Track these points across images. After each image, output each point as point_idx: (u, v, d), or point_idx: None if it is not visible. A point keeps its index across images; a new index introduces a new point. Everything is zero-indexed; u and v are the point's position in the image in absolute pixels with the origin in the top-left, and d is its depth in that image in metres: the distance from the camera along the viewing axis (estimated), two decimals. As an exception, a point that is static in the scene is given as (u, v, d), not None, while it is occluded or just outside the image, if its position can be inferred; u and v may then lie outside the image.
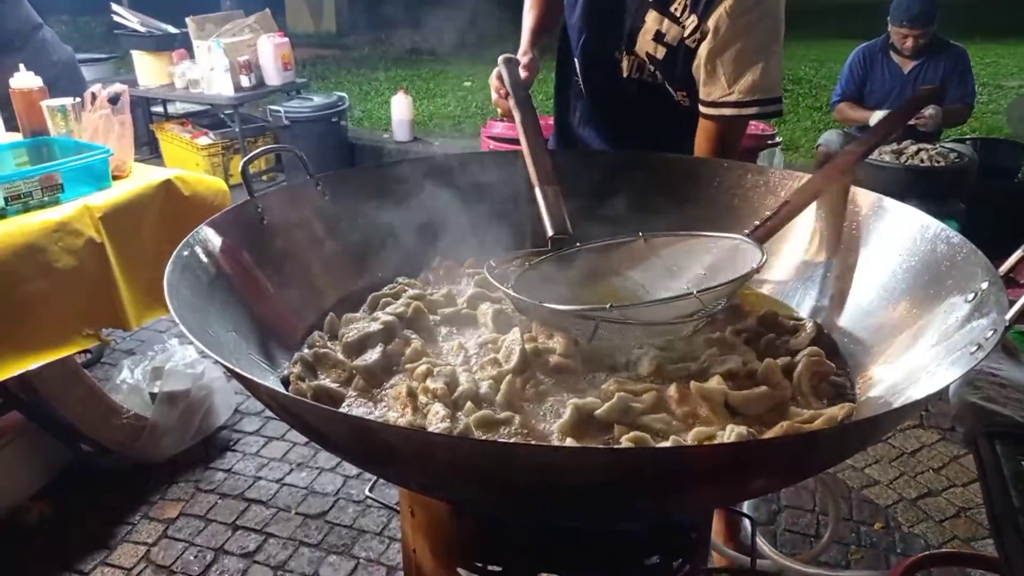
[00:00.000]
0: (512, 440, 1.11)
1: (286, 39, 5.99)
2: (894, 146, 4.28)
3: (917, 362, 1.18)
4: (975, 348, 1.03)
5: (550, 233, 1.49)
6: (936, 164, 4.15)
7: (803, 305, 1.53)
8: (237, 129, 5.97)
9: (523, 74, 1.86)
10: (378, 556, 2.53)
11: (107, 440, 2.81)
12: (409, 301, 1.46)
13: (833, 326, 1.43)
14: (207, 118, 6.45)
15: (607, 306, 1.20)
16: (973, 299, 1.16)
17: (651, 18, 1.79)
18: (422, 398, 1.19)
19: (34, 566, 2.51)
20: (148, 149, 6.37)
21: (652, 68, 1.87)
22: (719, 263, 1.40)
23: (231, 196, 2.76)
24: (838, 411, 1.15)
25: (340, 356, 1.34)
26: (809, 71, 9.14)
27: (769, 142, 4.87)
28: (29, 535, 2.61)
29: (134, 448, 2.85)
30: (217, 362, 1.03)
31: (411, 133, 6.63)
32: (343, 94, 6.40)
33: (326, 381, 1.29)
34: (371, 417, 1.20)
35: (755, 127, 4.52)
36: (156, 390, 2.97)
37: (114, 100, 2.63)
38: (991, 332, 1.04)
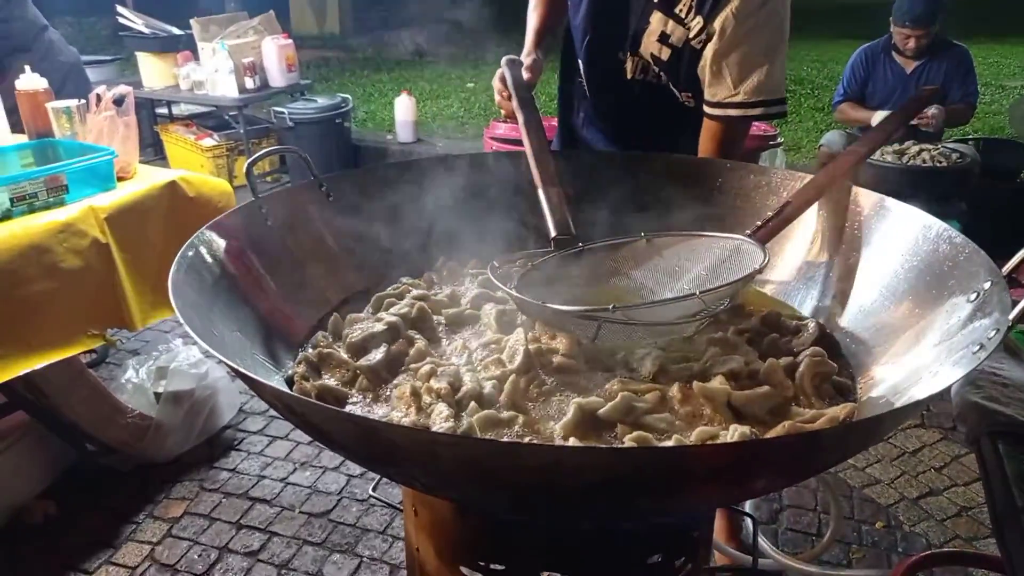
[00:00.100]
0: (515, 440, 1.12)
1: (290, 41, 6.01)
2: (896, 146, 4.27)
3: (919, 362, 1.18)
4: (977, 348, 1.04)
5: (553, 234, 1.49)
6: (938, 164, 4.14)
7: (805, 305, 1.53)
8: (241, 130, 5.98)
9: (526, 75, 1.86)
10: (381, 555, 2.54)
11: (112, 440, 2.82)
12: (413, 301, 1.47)
13: (835, 326, 1.44)
14: (211, 119, 6.46)
15: (610, 307, 1.20)
16: (975, 299, 1.16)
17: (656, 19, 1.79)
18: (426, 398, 1.20)
19: (39, 565, 2.52)
20: (153, 151, 6.38)
21: (656, 69, 1.87)
22: (721, 263, 1.41)
23: (235, 197, 2.77)
24: (840, 411, 1.16)
25: (344, 356, 1.34)
26: (811, 71, 9.13)
27: (771, 143, 4.87)
28: (34, 534, 2.62)
29: (139, 448, 2.86)
30: (221, 362, 1.04)
31: (414, 134, 6.64)
32: (347, 95, 6.41)
33: (330, 381, 1.30)
34: (375, 417, 1.21)
35: (757, 127, 4.52)
36: (161, 390, 2.98)
37: (119, 102, 2.63)
38: (993, 332, 1.05)
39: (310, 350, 1.37)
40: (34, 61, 2.88)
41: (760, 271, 1.31)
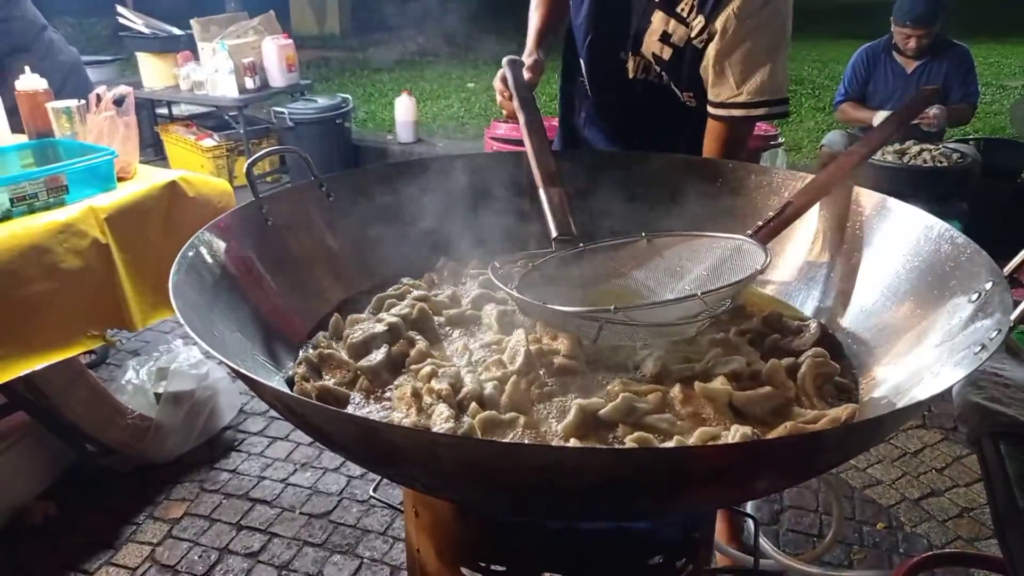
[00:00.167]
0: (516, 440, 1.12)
1: (290, 41, 6.01)
2: (897, 146, 4.27)
3: (921, 362, 1.18)
4: (979, 348, 1.03)
5: (554, 234, 1.49)
6: (939, 164, 4.14)
7: (806, 306, 1.53)
8: (241, 131, 5.98)
9: (527, 75, 1.85)
10: (382, 556, 2.53)
11: (112, 440, 2.82)
12: (414, 302, 1.46)
13: (836, 327, 1.44)
14: (212, 120, 6.46)
15: (611, 308, 1.20)
16: (977, 299, 1.16)
17: (657, 19, 1.79)
18: (427, 399, 1.20)
19: (39, 566, 2.52)
20: (153, 151, 6.38)
21: (658, 69, 1.87)
22: (722, 264, 1.41)
23: (235, 197, 2.77)
24: (842, 412, 1.15)
25: (345, 357, 1.34)
26: (812, 72, 9.13)
27: (772, 143, 4.86)
28: (34, 535, 2.62)
29: (139, 448, 2.86)
30: (222, 363, 1.04)
31: (415, 134, 6.64)
32: (347, 96, 6.41)
33: (331, 382, 1.30)
34: (376, 418, 1.21)
35: (758, 127, 4.48)
36: (161, 391, 2.98)
37: (119, 102, 2.63)
38: (995, 332, 1.04)
39: (310, 351, 1.37)
40: (34, 61, 2.87)
41: (761, 271, 1.31)
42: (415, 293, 1.53)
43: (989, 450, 1.45)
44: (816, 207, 1.54)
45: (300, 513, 2.73)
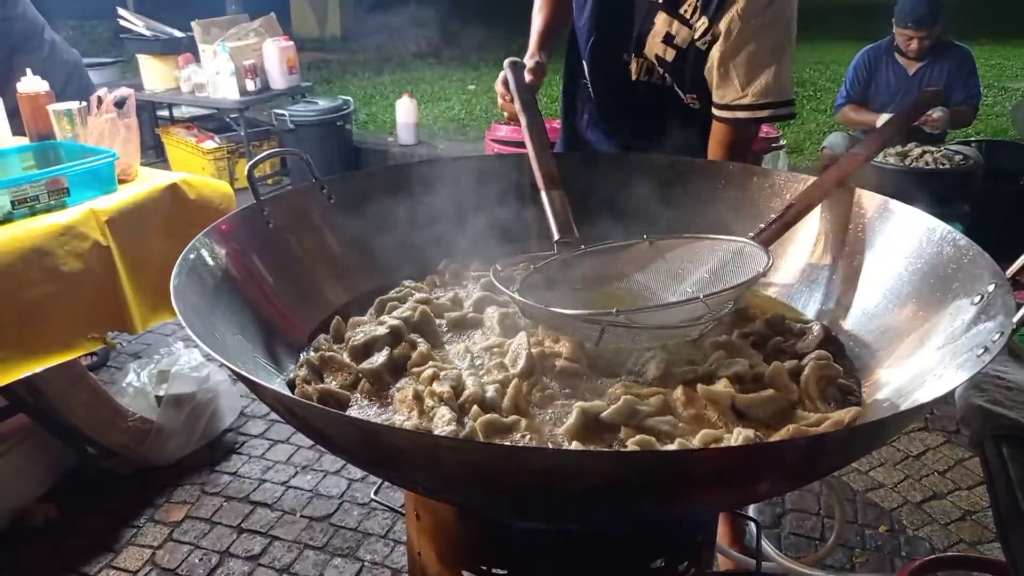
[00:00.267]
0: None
1: (291, 43, 6.01)
2: (899, 148, 4.27)
3: (923, 365, 1.17)
4: (982, 351, 1.03)
5: (556, 236, 1.49)
6: (941, 166, 4.14)
7: (808, 308, 1.53)
8: (242, 133, 5.98)
9: (528, 78, 1.84)
10: (383, 559, 2.53)
11: (113, 443, 2.82)
12: (415, 305, 1.46)
13: (839, 329, 1.43)
14: (212, 122, 6.46)
15: (614, 310, 1.20)
16: (979, 302, 1.16)
17: (660, 20, 1.79)
18: (428, 401, 1.19)
19: (40, 569, 2.52)
20: (154, 153, 6.38)
21: (661, 70, 1.87)
22: (724, 266, 1.40)
23: (236, 200, 2.77)
24: (844, 414, 1.15)
25: (346, 359, 1.34)
26: (814, 73, 9.14)
27: (773, 145, 4.86)
28: (35, 537, 2.62)
29: (140, 451, 2.86)
30: (223, 365, 1.04)
31: (415, 136, 6.64)
32: (348, 98, 6.41)
33: (332, 384, 1.29)
34: (377, 420, 1.20)
35: (759, 129, 4.51)
36: (162, 393, 2.98)
37: (120, 104, 2.63)
38: (998, 335, 1.04)
39: (312, 353, 1.37)
40: (36, 63, 2.88)
41: (763, 274, 1.30)
42: (417, 296, 1.53)
43: (991, 453, 1.45)
44: (818, 209, 1.54)
45: (301, 516, 2.73)
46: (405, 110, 6.53)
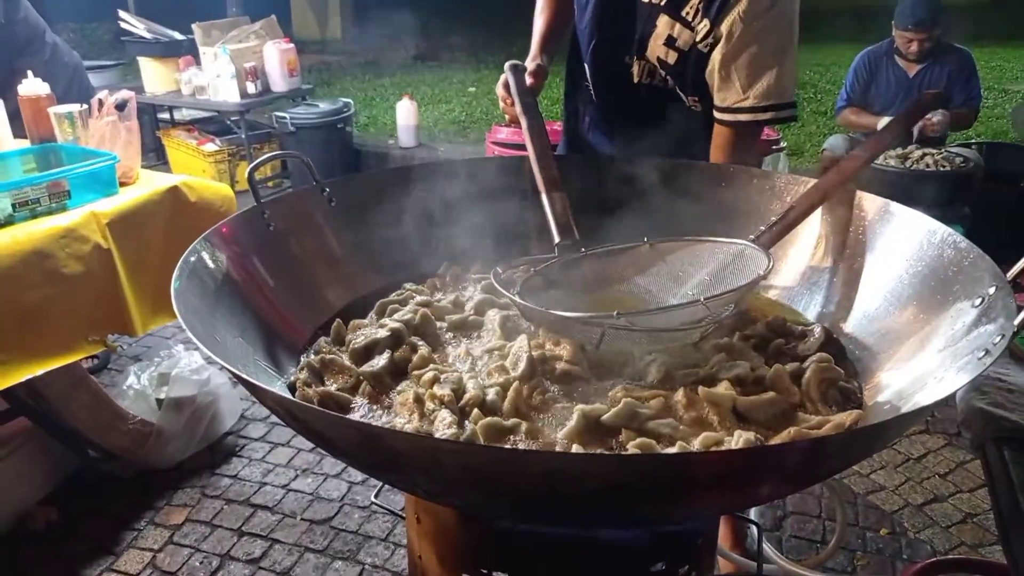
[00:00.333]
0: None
1: (292, 45, 6.01)
2: (899, 150, 4.27)
3: (924, 367, 1.17)
4: (983, 353, 1.03)
5: (556, 239, 1.49)
6: (942, 168, 4.14)
7: (809, 311, 1.53)
8: (243, 135, 5.98)
9: (529, 81, 1.84)
10: (383, 562, 2.53)
11: (113, 446, 2.82)
12: (416, 308, 1.46)
13: (840, 331, 1.43)
14: (213, 124, 6.47)
15: (614, 313, 1.20)
16: (980, 304, 1.16)
17: (662, 22, 1.79)
18: (429, 404, 1.19)
19: (40, 572, 2.51)
20: (155, 155, 6.38)
21: (663, 73, 1.86)
22: (725, 269, 1.40)
23: (237, 202, 2.77)
24: (846, 417, 1.15)
25: (347, 362, 1.34)
26: (814, 76, 9.14)
27: (774, 147, 4.86)
28: (36, 540, 2.62)
29: (140, 454, 2.86)
30: (224, 368, 1.04)
31: (416, 139, 6.64)
32: (348, 100, 6.41)
33: (333, 387, 1.29)
34: (378, 423, 1.20)
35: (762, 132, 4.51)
36: (162, 396, 2.97)
37: (121, 107, 2.63)
38: (999, 337, 1.04)
39: (312, 356, 1.37)
40: (37, 65, 2.88)
41: (764, 277, 1.30)
42: (418, 298, 1.53)
43: (993, 455, 1.45)
44: (818, 212, 1.54)
45: (301, 519, 2.72)
46: (406, 112, 6.54)
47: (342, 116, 6.09)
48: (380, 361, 1.32)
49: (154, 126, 6.45)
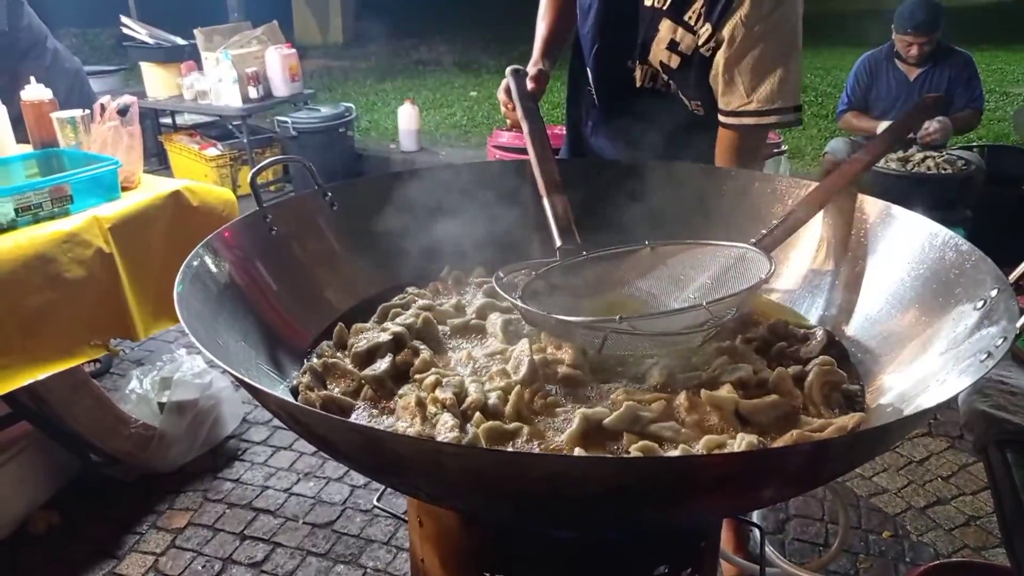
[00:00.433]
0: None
1: (293, 50, 6.02)
2: (901, 153, 4.27)
3: (927, 370, 1.17)
4: (985, 356, 1.03)
5: (558, 243, 1.49)
6: (943, 171, 4.13)
7: (811, 314, 1.52)
8: (245, 140, 5.99)
9: (530, 85, 1.84)
10: (386, 566, 2.53)
11: (115, 450, 2.82)
12: (418, 311, 1.46)
13: (841, 335, 1.43)
14: (215, 129, 6.48)
15: (616, 317, 1.20)
16: (982, 307, 1.16)
17: (665, 27, 1.79)
18: (431, 408, 1.19)
19: (42, 575, 2.52)
20: (157, 160, 6.40)
21: (666, 77, 1.87)
22: (726, 272, 1.40)
23: (239, 207, 2.77)
24: (848, 420, 1.15)
25: (349, 366, 1.34)
26: (815, 79, 9.15)
27: (775, 150, 4.86)
28: (38, 544, 2.62)
29: (142, 458, 2.86)
30: (226, 372, 1.04)
31: (417, 143, 6.65)
32: (350, 105, 6.42)
33: (335, 391, 1.29)
34: (380, 427, 1.20)
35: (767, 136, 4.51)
36: (164, 400, 2.98)
37: (123, 112, 2.64)
38: (1001, 340, 1.04)
39: (315, 360, 1.37)
40: (40, 71, 2.88)
41: (766, 280, 1.30)
42: (419, 302, 1.53)
43: (996, 458, 1.45)
44: (820, 215, 1.54)
45: (304, 523, 2.72)
46: (407, 117, 6.55)
47: (344, 120, 6.10)
48: (382, 365, 1.32)
49: (156, 131, 6.47)
